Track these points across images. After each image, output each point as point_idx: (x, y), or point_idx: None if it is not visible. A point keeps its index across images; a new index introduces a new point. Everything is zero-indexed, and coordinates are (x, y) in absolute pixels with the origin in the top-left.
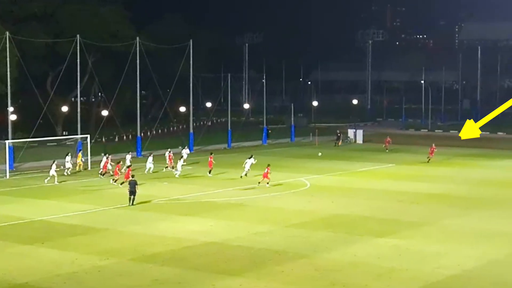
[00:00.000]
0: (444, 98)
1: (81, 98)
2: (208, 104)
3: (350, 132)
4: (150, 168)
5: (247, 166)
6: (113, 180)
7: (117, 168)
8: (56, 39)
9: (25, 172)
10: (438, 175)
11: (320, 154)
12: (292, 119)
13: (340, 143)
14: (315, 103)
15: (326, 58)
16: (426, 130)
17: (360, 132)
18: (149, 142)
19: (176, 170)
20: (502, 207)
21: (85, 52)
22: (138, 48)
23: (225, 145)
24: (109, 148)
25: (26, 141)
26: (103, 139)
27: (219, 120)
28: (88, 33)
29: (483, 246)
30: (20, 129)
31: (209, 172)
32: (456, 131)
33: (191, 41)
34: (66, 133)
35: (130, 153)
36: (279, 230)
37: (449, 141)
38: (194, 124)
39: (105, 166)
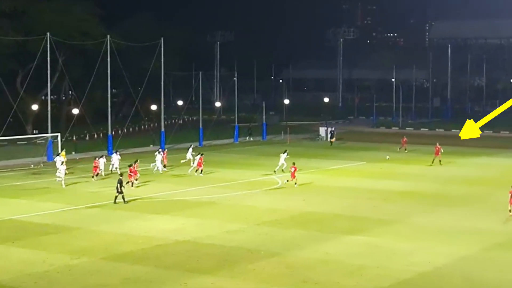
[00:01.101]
0: (415, 96)
1: (52, 97)
2: (180, 102)
3: (321, 130)
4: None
5: (282, 160)
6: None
7: (135, 167)
8: (26, 37)
9: None
10: (409, 172)
11: (388, 157)
12: (264, 117)
13: (333, 140)
14: (286, 101)
15: (297, 56)
16: (397, 128)
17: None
18: (120, 141)
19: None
20: (472, 204)
21: (56, 50)
22: (109, 46)
23: (197, 143)
24: (80, 146)
25: None
26: (74, 138)
27: (190, 118)
28: (58, 31)
29: (454, 243)
30: None
31: (201, 172)
32: (427, 129)
33: (162, 39)
34: (37, 132)
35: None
36: (250, 228)
37: (420, 139)
38: (166, 122)
39: (95, 168)
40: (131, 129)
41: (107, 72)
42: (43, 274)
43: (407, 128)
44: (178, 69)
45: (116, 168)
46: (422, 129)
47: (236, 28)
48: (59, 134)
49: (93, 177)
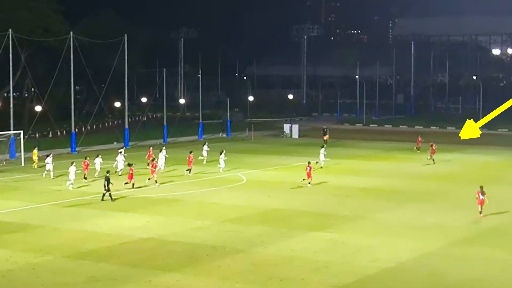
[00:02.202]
0: (379, 92)
1: (14, 94)
2: (144, 99)
3: (286, 127)
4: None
5: (322, 157)
6: (148, 179)
7: (153, 167)
8: None
9: None
10: (373, 169)
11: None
12: (228, 114)
13: (327, 138)
14: (250, 98)
15: (261, 53)
16: (361, 125)
17: (296, 127)
18: (84, 138)
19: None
20: (436, 200)
21: (18, 47)
22: (71, 43)
23: (161, 141)
24: (43, 144)
25: None
26: (37, 135)
27: (154, 115)
28: (20, 28)
29: (417, 239)
30: None
31: (189, 171)
32: (390, 125)
33: (125, 36)
34: None
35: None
36: (215, 225)
37: (385, 135)
38: (129, 119)
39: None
40: (94, 126)
41: (70, 69)
42: (6, 272)
43: (370, 125)
44: (142, 66)
45: (121, 170)
46: (385, 125)
47: (200, 25)
48: (21, 132)
49: (85, 178)
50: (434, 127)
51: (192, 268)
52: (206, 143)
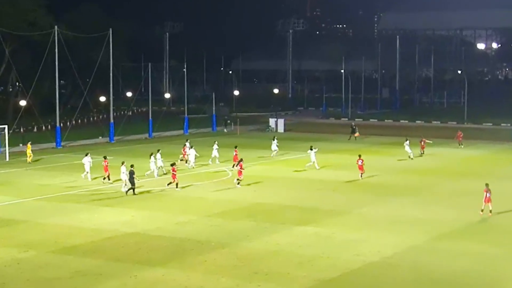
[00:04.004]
0: (364, 87)
1: None
2: (129, 94)
3: (271, 121)
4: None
5: (312, 158)
6: (169, 184)
7: (173, 171)
8: None
9: None
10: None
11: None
12: (214, 108)
13: (357, 135)
14: (236, 93)
15: (247, 47)
16: (346, 119)
17: (281, 121)
18: (69, 132)
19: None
20: (420, 195)
21: (2, 41)
22: (56, 37)
23: (146, 135)
24: (28, 138)
25: None
26: (22, 130)
27: (139, 110)
28: (5, 22)
29: (402, 233)
30: None
31: (233, 166)
32: (376, 120)
33: (110, 30)
34: None
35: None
36: (201, 220)
37: (370, 129)
38: (115, 113)
39: (106, 168)
40: (79, 120)
41: (55, 63)
42: None
43: (356, 119)
44: (127, 60)
45: (161, 166)
46: (371, 119)
47: (185, 19)
48: (6, 126)
49: (104, 178)
50: (419, 121)
51: (177, 263)
52: (216, 142)
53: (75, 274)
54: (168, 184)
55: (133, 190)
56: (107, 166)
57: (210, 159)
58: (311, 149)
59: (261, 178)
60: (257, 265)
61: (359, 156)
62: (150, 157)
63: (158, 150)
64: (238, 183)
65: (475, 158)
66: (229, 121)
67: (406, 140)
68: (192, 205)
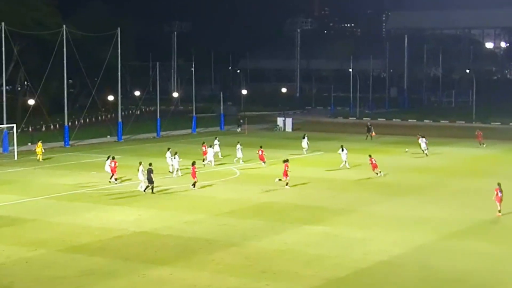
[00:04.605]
0: (372, 86)
1: (7, 87)
2: (137, 93)
3: (279, 120)
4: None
5: (343, 157)
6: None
7: (194, 170)
8: None
9: None
10: (364, 162)
11: (407, 150)
12: (222, 107)
13: (373, 134)
14: (244, 92)
15: (255, 46)
16: (355, 118)
17: (289, 121)
18: (77, 131)
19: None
20: (429, 194)
21: (11, 40)
22: (64, 36)
23: (154, 134)
24: (37, 137)
25: None
26: (30, 129)
27: (148, 109)
28: (13, 21)
29: (410, 232)
30: None
31: (264, 163)
32: (384, 119)
33: (118, 29)
34: None
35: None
36: (209, 219)
37: (378, 129)
38: (123, 113)
39: (113, 169)
40: (88, 119)
41: (63, 62)
42: None
43: (364, 118)
44: (135, 59)
45: (178, 169)
46: (379, 119)
47: (193, 19)
48: (14, 125)
49: (114, 179)
50: (427, 121)
51: (185, 262)
52: (239, 142)
53: (83, 273)
54: (193, 186)
55: (152, 189)
56: (115, 167)
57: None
58: (342, 149)
59: (269, 178)
60: (265, 264)
61: (370, 156)
62: (173, 156)
63: (176, 153)
64: (286, 184)
65: (484, 157)
66: (242, 121)
67: (423, 137)
68: (201, 204)
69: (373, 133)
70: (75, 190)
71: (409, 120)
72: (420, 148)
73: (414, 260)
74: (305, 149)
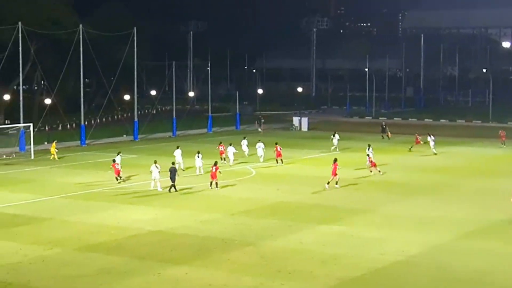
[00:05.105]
0: (388, 85)
1: (24, 86)
2: (153, 92)
3: (295, 120)
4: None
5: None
6: (211, 184)
7: (217, 170)
8: None
9: None
10: (382, 162)
11: (411, 148)
12: (237, 107)
13: (390, 135)
14: (260, 91)
15: (271, 46)
16: (370, 118)
17: (305, 120)
18: (93, 131)
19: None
20: (444, 193)
21: (27, 40)
22: (81, 36)
23: (170, 134)
24: (53, 137)
25: None
26: (46, 128)
27: (164, 108)
28: (30, 20)
29: (426, 232)
30: None
31: (281, 161)
32: (400, 118)
33: (135, 28)
34: (9, 122)
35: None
36: (224, 218)
37: (394, 128)
38: (139, 112)
39: (117, 171)
40: (104, 119)
41: (80, 62)
42: (16, 265)
43: (380, 118)
44: (151, 59)
45: (200, 168)
46: (395, 118)
47: (209, 18)
48: (31, 124)
49: (119, 176)
50: (444, 120)
51: (201, 261)
52: (260, 140)
53: (99, 271)
54: (216, 186)
55: (175, 187)
56: (119, 169)
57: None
58: (369, 148)
59: (285, 177)
60: (281, 264)
61: (368, 155)
62: (197, 154)
63: (198, 152)
64: (336, 183)
65: (501, 157)
66: (263, 120)
67: (430, 136)
68: (216, 203)
69: (389, 133)
70: (91, 189)
71: (425, 120)
72: (429, 145)
73: (430, 260)
74: (334, 147)
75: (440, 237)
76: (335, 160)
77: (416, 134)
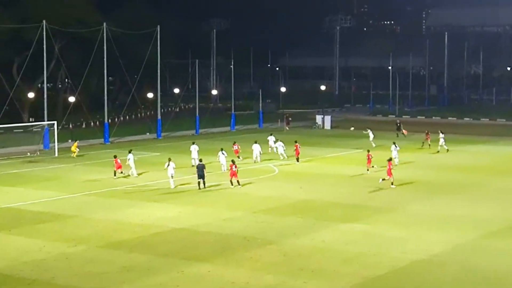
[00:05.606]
0: (412, 84)
1: (48, 84)
2: (176, 90)
3: (318, 118)
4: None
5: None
6: (234, 182)
7: (234, 168)
8: (22, 24)
9: None
10: (403, 160)
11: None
12: (260, 105)
13: (405, 132)
14: (283, 89)
15: (294, 44)
16: (394, 116)
17: (328, 118)
18: (117, 129)
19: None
20: (467, 192)
21: (52, 38)
22: (105, 34)
23: (193, 131)
24: (77, 134)
25: None
26: (70, 126)
27: (187, 106)
28: (54, 19)
29: (449, 231)
30: None
31: (297, 160)
32: (423, 117)
33: (158, 27)
34: (33, 120)
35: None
36: (247, 216)
37: (417, 127)
38: (162, 110)
39: (119, 166)
40: (127, 117)
41: (103, 60)
42: (40, 262)
43: (403, 116)
44: (174, 57)
45: (223, 165)
46: (418, 116)
47: (232, 16)
48: (55, 122)
49: (120, 172)
50: (468, 119)
51: (223, 259)
52: (278, 140)
53: (122, 269)
54: (238, 183)
55: (204, 184)
56: (120, 164)
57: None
58: (395, 146)
59: (307, 175)
60: (303, 262)
61: (368, 151)
62: (221, 151)
63: (222, 149)
64: (392, 184)
65: None
66: (290, 119)
67: (442, 133)
68: (238, 202)
69: (405, 131)
70: (114, 187)
71: (449, 118)
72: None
73: (453, 259)
74: (372, 141)
75: (464, 236)
76: (390, 159)
77: (427, 131)
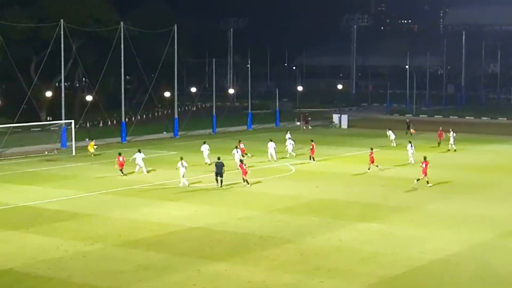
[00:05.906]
0: (429, 83)
1: (65, 83)
2: (193, 89)
3: (335, 117)
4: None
5: (410, 152)
6: (245, 181)
7: (245, 166)
8: (40, 23)
9: (9, 157)
10: (420, 160)
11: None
12: (277, 104)
13: (413, 131)
14: (300, 88)
15: (311, 43)
16: (411, 115)
17: (345, 117)
18: (134, 127)
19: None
20: (484, 192)
21: (69, 37)
22: (122, 33)
23: (210, 130)
24: (94, 133)
25: (10, 127)
26: (88, 124)
27: (203, 105)
28: (72, 18)
29: (467, 230)
30: (4, 114)
31: (313, 159)
32: (441, 116)
33: (175, 26)
34: (50, 118)
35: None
36: (263, 215)
37: (433, 126)
38: (179, 109)
39: (122, 164)
40: (144, 116)
41: (121, 59)
42: (57, 260)
43: (420, 115)
44: (191, 56)
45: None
46: (436, 116)
47: (249, 15)
48: (73, 121)
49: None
50: (485, 118)
51: (240, 258)
52: (288, 132)
53: (139, 267)
54: (247, 182)
55: (221, 182)
56: (122, 162)
57: (288, 154)
58: (411, 145)
59: (324, 174)
60: (320, 261)
61: (371, 149)
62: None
63: (236, 147)
64: (427, 183)
65: None
66: (309, 118)
67: (452, 132)
68: (255, 201)
69: (413, 130)
70: (131, 186)
71: (466, 117)
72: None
73: (470, 259)
74: (393, 141)
75: (481, 235)
76: (425, 158)
77: (441, 128)
